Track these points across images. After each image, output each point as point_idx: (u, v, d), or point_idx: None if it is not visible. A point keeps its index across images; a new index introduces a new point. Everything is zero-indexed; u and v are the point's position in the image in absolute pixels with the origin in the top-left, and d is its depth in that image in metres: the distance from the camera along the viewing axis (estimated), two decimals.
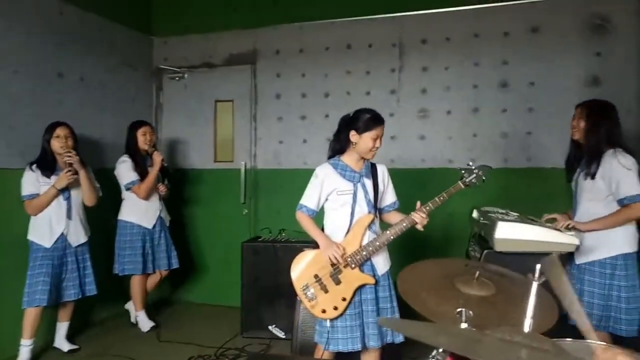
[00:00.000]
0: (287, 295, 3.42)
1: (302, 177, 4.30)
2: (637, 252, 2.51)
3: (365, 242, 2.38)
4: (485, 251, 2.71)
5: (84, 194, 3.34)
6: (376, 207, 2.45)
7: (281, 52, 4.42)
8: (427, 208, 2.33)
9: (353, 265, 2.35)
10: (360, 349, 2.36)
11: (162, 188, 3.86)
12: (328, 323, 2.36)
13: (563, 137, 2.92)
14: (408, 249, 3.47)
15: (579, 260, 2.56)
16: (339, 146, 2.50)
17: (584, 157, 2.62)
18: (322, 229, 2.49)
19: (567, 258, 2.64)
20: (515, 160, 3.88)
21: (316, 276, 2.37)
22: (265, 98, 4.48)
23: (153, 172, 3.73)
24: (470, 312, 1.21)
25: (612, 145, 2.52)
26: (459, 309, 1.21)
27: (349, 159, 2.45)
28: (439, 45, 4.02)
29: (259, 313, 3.70)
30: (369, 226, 2.40)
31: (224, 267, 4.47)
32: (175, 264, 3.97)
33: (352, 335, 2.33)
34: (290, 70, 4.38)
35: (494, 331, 0.76)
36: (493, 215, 2.78)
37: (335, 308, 2.34)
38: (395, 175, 3.94)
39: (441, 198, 2.35)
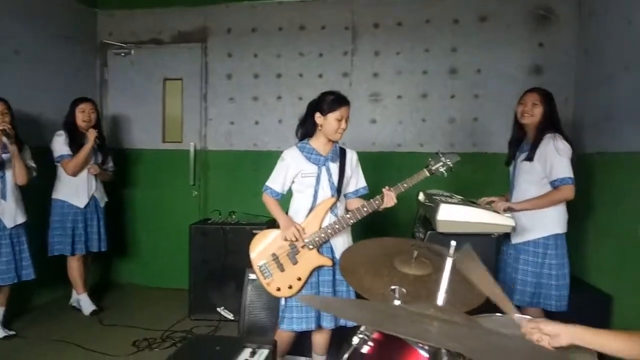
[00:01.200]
0: (236, 277, 3.41)
1: (253, 159, 4.33)
2: (567, 232, 2.67)
3: (325, 224, 2.40)
4: (429, 232, 2.80)
5: (15, 173, 3.17)
6: (340, 191, 2.46)
7: (233, 30, 4.32)
8: (392, 192, 2.35)
9: (311, 246, 2.38)
10: (314, 329, 2.41)
11: (92, 168, 3.69)
12: (283, 302, 2.41)
13: (507, 124, 3.02)
14: (363, 231, 3.53)
15: (515, 240, 2.69)
16: (305, 130, 2.51)
17: (527, 141, 2.73)
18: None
19: (504, 238, 2.77)
20: (462, 145, 4.00)
21: (274, 255, 2.41)
22: (216, 77, 4.37)
23: (84, 148, 3.56)
24: (404, 289, 1.24)
25: (552, 130, 2.64)
26: (392, 287, 1.24)
27: (316, 142, 2.47)
28: (391, 30, 4.05)
29: (208, 295, 3.67)
30: (331, 209, 2.43)
31: (172, 250, 4.38)
32: (104, 247, 3.83)
33: (307, 315, 2.37)
34: (242, 50, 4.30)
35: (410, 306, 0.78)
36: (437, 198, 2.87)
37: (290, 287, 2.37)
38: None
39: (404, 185, 2.37)
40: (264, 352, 1.77)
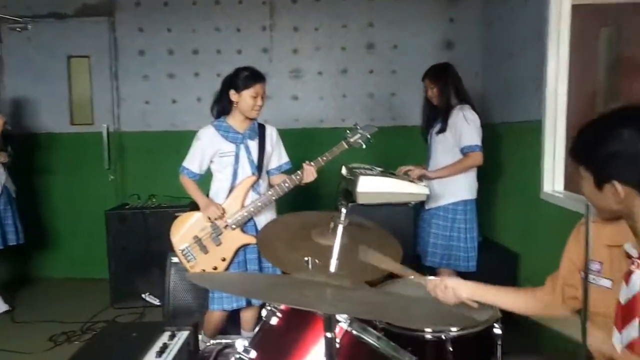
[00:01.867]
0: (159, 262, 3.29)
1: (172, 140, 4.17)
2: (476, 198, 2.86)
3: (247, 202, 2.38)
4: (350, 204, 2.87)
5: None
6: (261, 169, 2.43)
7: (142, 4, 4.07)
8: (312, 166, 2.38)
9: (234, 226, 2.35)
10: (245, 306, 2.42)
11: (2, 156, 3.39)
12: None
13: (422, 98, 3.13)
14: (283, 206, 3.54)
15: (428, 205, 2.85)
16: (220, 107, 2.44)
17: (438, 115, 2.86)
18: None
19: (421, 205, 2.91)
20: (381, 119, 4.10)
21: (196, 237, 2.36)
22: (127, 54, 4.13)
23: None
24: (317, 260, 1.27)
25: (460, 101, 2.78)
26: (306, 258, 1.26)
27: (233, 120, 2.41)
28: (309, 6, 4.03)
29: (131, 282, 3.55)
30: (253, 187, 2.40)
31: (88, 238, 4.15)
32: (22, 239, 3.58)
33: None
34: (154, 25, 4.07)
35: (301, 274, 0.80)
36: (357, 170, 2.93)
37: (215, 268, 2.35)
38: None
39: (324, 158, 2.40)
40: (184, 334, 1.75)
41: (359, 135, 2.48)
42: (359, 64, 4.06)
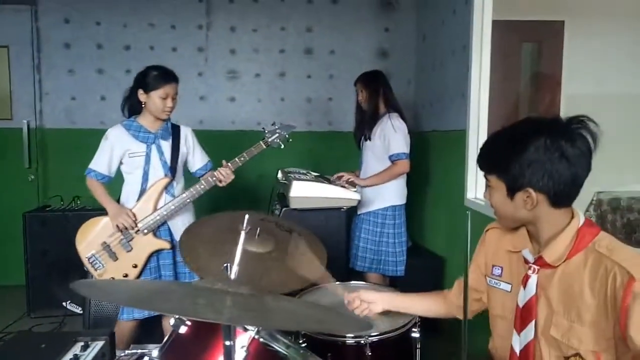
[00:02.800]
0: (82, 268, 3.12)
1: (100, 138, 3.93)
2: (406, 204, 2.94)
3: (160, 205, 2.28)
4: (284, 209, 2.87)
5: None
6: (175, 170, 2.34)
7: None
8: (228, 168, 2.31)
9: (145, 231, 2.25)
10: (157, 314, 2.28)
11: None
12: None
13: (355, 106, 3.19)
14: (217, 209, 3.47)
15: (359, 211, 2.91)
16: (129, 105, 2.33)
17: (367, 121, 2.92)
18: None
19: (354, 210, 2.96)
20: (319, 124, 4.14)
21: (104, 244, 2.24)
22: (51, 46, 3.88)
23: None
24: (236, 267, 1.24)
25: (388, 108, 2.86)
26: (224, 264, 1.23)
27: (144, 119, 2.30)
28: (247, 6, 3.99)
29: (50, 290, 3.32)
30: (166, 189, 2.30)
31: (4, 242, 3.86)
32: None
33: None
34: (81, 17, 3.86)
35: (202, 281, 0.79)
36: (292, 175, 2.94)
37: (126, 275, 2.24)
38: (205, 137, 3.83)
39: (241, 159, 2.34)
40: (98, 345, 1.65)
41: (277, 134, 2.47)
42: (297, 68, 4.07)
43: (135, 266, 2.25)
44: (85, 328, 2.78)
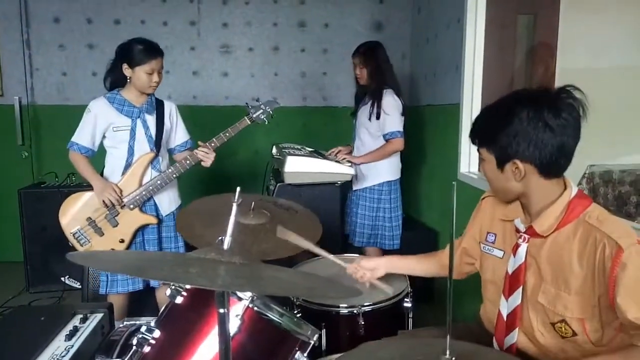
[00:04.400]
0: None
1: None
2: (401, 178, 2.96)
3: (146, 180, 2.25)
4: (278, 184, 2.88)
5: None
6: (159, 145, 2.30)
7: None
8: (212, 144, 2.29)
9: (132, 206, 2.23)
10: (142, 289, 2.31)
11: None
12: None
13: (353, 78, 3.15)
14: (213, 186, 3.49)
15: (355, 187, 2.92)
16: (114, 78, 2.26)
17: (367, 97, 2.87)
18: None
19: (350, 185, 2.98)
20: (313, 99, 4.12)
21: (89, 219, 2.20)
22: (40, 21, 3.81)
23: None
24: (229, 238, 1.27)
25: (385, 84, 2.82)
26: (219, 237, 1.25)
27: (128, 93, 2.24)
28: None
29: (48, 265, 3.36)
30: (152, 164, 2.27)
31: (1, 219, 3.88)
32: None
33: (132, 277, 2.25)
34: None
35: (195, 252, 0.81)
36: (286, 150, 2.95)
37: (113, 250, 2.24)
38: (198, 112, 3.84)
39: (226, 134, 2.31)
40: (97, 317, 1.70)
41: (261, 110, 2.44)
42: (290, 41, 4.03)
43: (122, 241, 2.23)
44: (84, 302, 2.82)
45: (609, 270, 1.05)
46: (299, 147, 3.18)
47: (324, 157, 2.91)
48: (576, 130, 1.12)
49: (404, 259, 1.66)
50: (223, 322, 0.73)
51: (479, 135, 1.23)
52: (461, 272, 1.53)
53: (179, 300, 1.01)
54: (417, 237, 3.27)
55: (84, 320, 1.67)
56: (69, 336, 1.54)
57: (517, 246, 1.23)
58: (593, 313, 1.11)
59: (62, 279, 3.36)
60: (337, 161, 2.81)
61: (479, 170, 2.81)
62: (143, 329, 1.03)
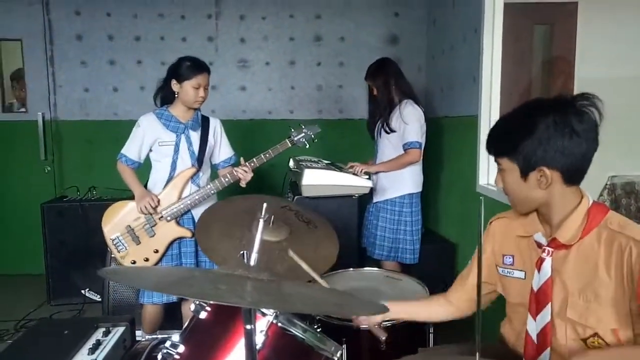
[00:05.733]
0: (100, 256, 3.18)
1: (113, 129, 4.01)
2: (421, 191, 2.94)
3: (185, 195, 2.34)
4: (296, 197, 2.89)
5: None
6: (201, 161, 2.39)
7: None
8: (252, 164, 2.36)
9: (169, 218, 2.31)
10: (176, 300, 2.39)
11: None
12: None
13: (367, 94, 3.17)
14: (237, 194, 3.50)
15: (376, 199, 2.91)
16: (164, 95, 2.39)
17: (383, 112, 2.88)
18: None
19: (369, 197, 2.96)
20: (329, 111, 4.14)
21: (128, 227, 2.31)
22: (63, 38, 3.92)
23: None
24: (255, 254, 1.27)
25: (402, 95, 2.83)
26: (241, 252, 1.27)
27: (175, 109, 2.36)
28: None
29: (69, 278, 3.41)
30: (192, 179, 2.36)
31: (23, 232, 3.94)
32: None
33: None
34: (91, 8, 3.88)
35: (222, 268, 0.81)
36: (304, 163, 2.96)
37: (147, 259, 2.31)
38: None
39: (267, 155, 2.39)
40: (119, 330, 1.72)
41: (303, 134, 2.51)
42: (306, 55, 4.07)
43: (157, 251, 2.31)
44: (105, 315, 2.85)
45: (637, 273, 1.04)
46: (316, 159, 3.19)
47: (341, 169, 2.92)
48: (596, 135, 1.12)
49: (404, 305, 1.54)
50: (250, 338, 0.73)
51: (497, 145, 1.22)
52: (484, 303, 1.41)
53: (203, 315, 1.02)
54: (435, 251, 3.24)
55: (106, 333, 1.69)
56: (92, 350, 1.56)
57: (541, 261, 1.21)
58: (626, 321, 1.09)
59: (83, 291, 3.41)
60: (354, 174, 2.81)
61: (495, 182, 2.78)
62: (168, 343, 1.04)
